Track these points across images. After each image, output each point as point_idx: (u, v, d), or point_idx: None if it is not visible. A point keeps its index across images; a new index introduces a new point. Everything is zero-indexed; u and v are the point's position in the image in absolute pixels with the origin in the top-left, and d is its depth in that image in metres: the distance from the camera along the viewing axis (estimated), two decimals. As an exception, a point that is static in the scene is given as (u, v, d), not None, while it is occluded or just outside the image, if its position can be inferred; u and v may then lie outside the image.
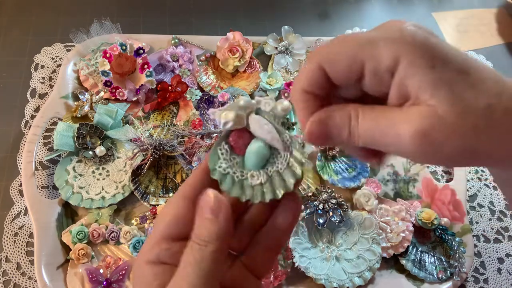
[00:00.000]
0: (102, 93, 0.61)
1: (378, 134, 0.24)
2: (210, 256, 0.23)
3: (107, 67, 0.60)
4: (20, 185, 0.56)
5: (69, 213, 0.54)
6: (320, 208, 0.55)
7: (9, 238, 0.53)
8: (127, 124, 0.60)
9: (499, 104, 0.22)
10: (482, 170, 0.67)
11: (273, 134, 0.26)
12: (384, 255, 0.55)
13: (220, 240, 0.24)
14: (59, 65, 0.66)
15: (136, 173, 0.56)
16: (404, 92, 0.23)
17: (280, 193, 0.26)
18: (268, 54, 0.69)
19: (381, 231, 0.56)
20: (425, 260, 0.56)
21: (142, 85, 0.62)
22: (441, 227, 0.57)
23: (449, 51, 0.23)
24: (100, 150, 0.56)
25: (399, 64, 0.22)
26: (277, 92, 0.64)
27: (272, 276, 0.52)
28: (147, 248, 0.25)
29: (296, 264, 0.52)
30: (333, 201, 0.55)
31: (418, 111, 0.22)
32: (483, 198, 0.64)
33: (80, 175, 0.56)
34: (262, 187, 0.26)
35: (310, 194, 0.56)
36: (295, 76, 0.26)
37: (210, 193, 0.24)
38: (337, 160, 0.62)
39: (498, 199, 0.65)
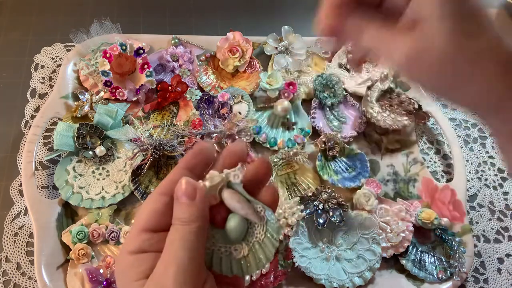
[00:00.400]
0: (102, 93, 0.61)
1: (383, 45, 0.27)
2: (194, 231, 0.25)
3: (107, 67, 0.60)
4: (20, 185, 0.56)
5: (69, 213, 0.54)
6: (320, 208, 0.55)
7: (9, 238, 0.53)
8: (127, 124, 0.60)
9: (500, 46, 0.25)
10: (482, 170, 0.67)
11: (246, 209, 0.27)
12: (384, 255, 0.55)
13: (200, 219, 0.25)
14: (59, 65, 0.66)
15: (136, 173, 0.56)
16: (417, 12, 0.26)
17: (263, 265, 0.27)
18: (268, 54, 0.69)
19: (381, 231, 0.56)
20: (425, 260, 0.56)
21: (142, 85, 0.62)
22: (441, 227, 0.57)
23: None
24: (100, 150, 0.56)
25: None
26: (277, 92, 0.64)
27: (272, 276, 0.52)
28: (128, 240, 0.26)
29: (296, 264, 0.52)
30: (333, 201, 0.55)
31: (416, 38, 0.25)
32: (483, 198, 0.64)
33: (80, 175, 0.56)
34: (246, 259, 0.27)
35: (310, 194, 0.56)
36: None
37: (183, 180, 0.26)
38: (337, 160, 0.62)
39: (498, 199, 0.65)
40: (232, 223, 0.27)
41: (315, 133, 0.64)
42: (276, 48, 0.69)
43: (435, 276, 0.55)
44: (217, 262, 0.27)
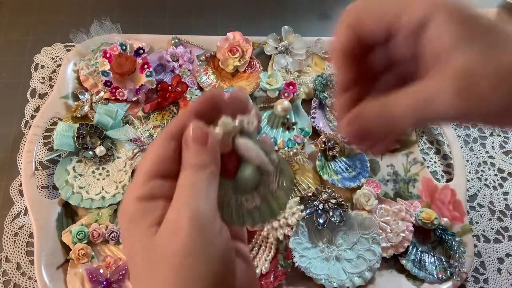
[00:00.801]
0: (102, 93, 0.61)
1: (419, 105, 0.23)
2: (205, 176, 0.23)
3: (107, 67, 0.60)
4: (20, 185, 0.56)
5: (69, 213, 0.54)
6: (320, 208, 0.55)
7: (9, 238, 0.53)
8: (127, 124, 0.60)
9: None
10: (482, 170, 0.67)
11: (261, 157, 0.26)
12: (384, 255, 0.55)
13: (212, 165, 0.24)
14: (59, 65, 0.66)
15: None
16: (436, 49, 0.23)
17: (278, 213, 0.26)
18: (268, 54, 0.69)
19: (381, 231, 0.56)
20: (425, 260, 0.56)
21: (142, 85, 0.62)
22: (441, 227, 0.57)
23: (474, 12, 0.23)
24: (100, 150, 0.56)
25: (433, 18, 0.23)
26: (277, 92, 0.64)
27: (272, 276, 0.52)
28: (136, 185, 0.24)
29: (296, 264, 0.52)
30: (333, 201, 0.55)
31: (454, 71, 0.22)
32: (483, 198, 0.64)
33: (80, 175, 0.56)
34: (259, 210, 0.26)
35: (310, 194, 0.56)
36: (331, 40, 0.27)
37: (193, 124, 0.24)
38: (337, 160, 0.62)
39: (498, 199, 0.65)
40: (246, 172, 0.26)
41: (315, 133, 0.64)
42: (276, 48, 0.69)
43: (435, 276, 0.55)
44: (227, 214, 0.26)
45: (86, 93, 0.61)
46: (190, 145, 0.24)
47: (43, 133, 0.58)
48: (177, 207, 0.23)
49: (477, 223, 0.62)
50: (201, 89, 0.65)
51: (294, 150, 0.59)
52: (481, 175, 0.66)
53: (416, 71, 0.25)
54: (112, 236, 0.53)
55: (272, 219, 0.25)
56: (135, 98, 0.62)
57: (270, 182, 0.26)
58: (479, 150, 0.69)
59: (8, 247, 0.53)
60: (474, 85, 0.22)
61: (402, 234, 0.55)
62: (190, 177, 0.23)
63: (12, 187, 0.56)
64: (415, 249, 0.56)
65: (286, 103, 0.62)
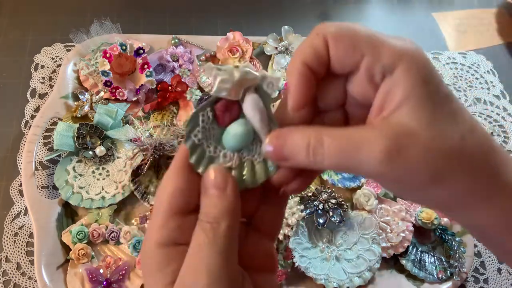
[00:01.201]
0: (102, 93, 0.61)
1: (345, 149, 0.22)
2: (224, 233, 0.22)
3: (107, 67, 0.60)
4: (20, 185, 0.56)
5: (69, 213, 0.54)
6: (320, 208, 0.55)
7: (9, 238, 0.53)
8: (127, 124, 0.60)
9: (472, 139, 0.22)
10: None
11: (263, 122, 0.24)
12: (384, 255, 0.55)
13: (231, 215, 0.22)
14: (59, 65, 0.66)
15: (136, 173, 0.56)
16: (389, 98, 0.22)
17: (247, 186, 0.24)
18: (268, 54, 0.69)
19: (381, 231, 0.56)
20: (425, 260, 0.56)
21: (142, 85, 0.62)
22: (441, 227, 0.57)
23: (440, 77, 0.23)
24: (100, 150, 0.56)
25: (396, 68, 0.22)
26: (277, 92, 0.64)
27: (272, 276, 0.52)
28: (155, 228, 0.23)
29: (296, 264, 0.52)
30: (333, 201, 0.55)
31: (392, 127, 0.21)
32: (483, 198, 0.64)
33: (80, 175, 0.56)
34: (229, 172, 0.24)
35: (310, 194, 0.56)
36: (296, 49, 0.25)
37: (212, 168, 0.23)
38: (337, 160, 0.62)
39: (498, 199, 0.65)
40: (239, 128, 0.24)
41: (315, 133, 0.64)
42: (276, 48, 0.69)
43: (435, 276, 0.55)
44: (198, 158, 0.24)
45: (86, 93, 0.61)
46: (208, 192, 0.23)
47: (43, 133, 0.58)
48: (193, 268, 0.21)
49: (477, 223, 0.62)
50: (201, 89, 0.65)
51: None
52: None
53: (363, 117, 0.25)
54: (112, 236, 0.53)
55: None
56: (135, 98, 0.62)
57: (256, 152, 0.25)
58: (479, 150, 0.68)
59: (8, 247, 0.52)
60: (405, 147, 0.21)
61: (402, 234, 0.55)
62: (207, 233, 0.22)
63: (12, 187, 0.56)
64: (415, 249, 0.56)
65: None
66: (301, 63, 0.24)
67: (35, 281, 0.50)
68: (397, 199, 0.59)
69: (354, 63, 0.23)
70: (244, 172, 0.25)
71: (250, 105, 0.24)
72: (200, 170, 0.24)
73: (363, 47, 0.23)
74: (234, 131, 0.24)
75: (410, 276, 0.55)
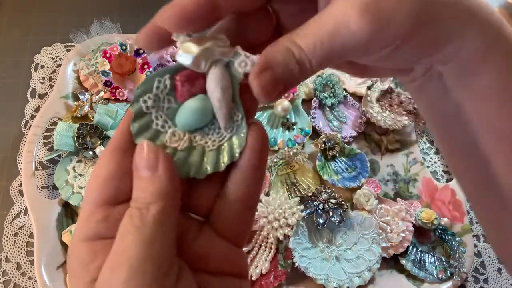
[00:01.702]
0: (102, 93, 0.61)
1: (325, 39, 0.20)
2: (153, 219, 0.18)
3: (107, 67, 0.60)
4: (20, 185, 0.56)
5: (69, 213, 0.54)
6: (320, 208, 0.55)
7: (9, 238, 0.53)
8: (127, 124, 0.60)
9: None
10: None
11: (223, 102, 0.21)
12: (384, 255, 0.55)
13: (164, 199, 0.19)
14: (59, 65, 0.66)
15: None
16: None
17: (187, 174, 0.21)
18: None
19: (381, 231, 0.56)
20: (425, 260, 0.56)
21: (142, 85, 0.62)
22: (441, 227, 0.57)
23: None
24: (100, 150, 0.56)
25: None
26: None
27: (272, 276, 0.52)
28: (81, 223, 0.20)
29: (296, 264, 0.52)
30: (333, 201, 0.55)
31: None
32: (483, 198, 0.64)
33: (80, 175, 0.56)
34: (174, 153, 0.21)
35: (310, 194, 0.56)
36: None
37: (143, 143, 0.20)
38: (337, 160, 0.62)
39: (498, 199, 0.65)
40: (194, 104, 0.21)
41: (315, 133, 0.64)
42: (276, 48, 0.69)
43: (435, 276, 0.55)
44: (141, 128, 0.21)
45: (86, 93, 0.61)
46: (139, 173, 0.19)
47: (43, 133, 0.58)
48: (112, 260, 0.18)
49: (477, 223, 0.62)
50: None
51: (294, 150, 0.59)
52: (481, 175, 0.66)
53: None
54: (112, 236, 0.53)
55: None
56: (135, 98, 0.62)
57: (210, 138, 0.22)
58: (479, 150, 0.68)
59: (8, 247, 0.53)
60: (379, 2, 0.19)
61: (402, 234, 0.55)
62: (135, 220, 0.19)
63: (12, 187, 0.56)
64: (415, 249, 0.56)
65: (286, 103, 0.62)
66: None
67: (35, 281, 0.50)
68: (397, 199, 0.59)
69: None
70: (190, 158, 0.21)
71: (213, 79, 0.20)
72: (137, 141, 0.20)
73: None
74: (187, 106, 0.21)
75: (410, 276, 0.55)
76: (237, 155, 0.21)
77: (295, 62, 0.20)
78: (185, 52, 0.20)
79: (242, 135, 0.21)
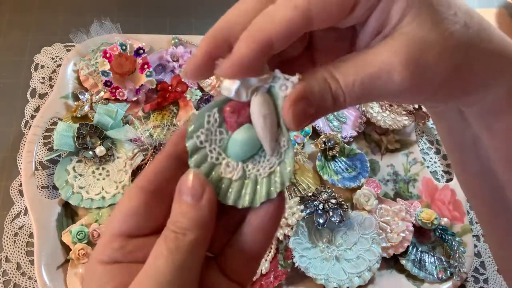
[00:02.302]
0: (102, 93, 0.61)
1: (366, 81, 0.21)
2: (188, 246, 0.19)
3: (107, 67, 0.60)
4: (20, 185, 0.56)
5: (69, 213, 0.54)
6: (320, 208, 0.55)
7: (9, 238, 0.53)
8: (127, 124, 0.60)
9: (472, 22, 0.22)
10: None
11: (266, 129, 0.21)
12: (384, 255, 0.55)
13: (201, 228, 0.20)
14: (59, 65, 0.66)
15: (136, 173, 0.56)
16: (385, 17, 0.21)
17: (241, 204, 0.22)
18: (268, 54, 0.69)
19: (381, 231, 0.56)
20: (425, 260, 0.56)
21: (142, 85, 0.62)
22: (441, 227, 0.57)
23: None
24: (100, 150, 0.56)
25: None
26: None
27: (272, 276, 0.52)
28: (99, 247, 0.21)
29: (296, 264, 0.52)
30: (333, 201, 0.55)
31: (401, 39, 0.21)
32: (483, 198, 0.64)
33: (80, 175, 0.56)
34: (229, 184, 0.22)
35: (310, 194, 0.56)
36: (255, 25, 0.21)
37: (191, 172, 0.21)
38: (337, 160, 0.62)
39: (498, 199, 0.65)
40: (240, 136, 0.22)
41: (315, 133, 0.64)
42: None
43: (435, 276, 0.55)
44: (199, 161, 0.22)
45: (86, 93, 0.61)
46: (182, 198, 0.20)
47: (43, 133, 0.58)
48: (142, 278, 0.19)
49: (477, 223, 0.62)
50: (201, 89, 0.65)
51: (294, 150, 0.59)
52: (481, 175, 0.66)
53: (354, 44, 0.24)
54: (112, 236, 0.52)
55: (231, 203, 0.22)
56: (135, 98, 0.62)
57: (261, 165, 0.22)
58: (479, 150, 0.68)
59: (8, 247, 0.52)
60: (423, 53, 0.20)
61: (402, 234, 0.55)
62: (168, 243, 0.19)
63: (12, 187, 0.56)
64: (415, 249, 0.56)
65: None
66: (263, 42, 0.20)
67: (35, 281, 0.50)
68: (397, 199, 0.59)
69: (350, 3, 0.21)
70: (244, 188, 0.22)
71: (255, 108, 0.21)
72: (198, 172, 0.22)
73: None
74: (236, 137, 0.22)
75: (410, 276, 0.55)
76: (290, 175, 0.22)
77: (330, 95, 0.21)
78: (227, 85, 0.21)
79: (291, 159, 0.22)
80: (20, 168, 0.57)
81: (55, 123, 0.59)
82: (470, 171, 0.28)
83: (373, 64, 0.21)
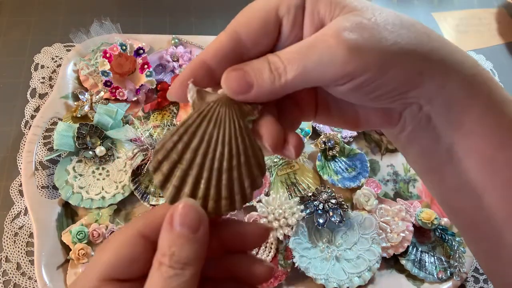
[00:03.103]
0: (102, 93, 0.61)
1: (306, 52, 0.22)
2: (189, 281, 0.19)
3: (107, 67, 0.60)
4: (20, 185, 0.56)
5: (69, 213, 0.54)
6: (320, 208, 0.55)
7: (9, 238, 0.53)
8: (127, 124, 0.60)
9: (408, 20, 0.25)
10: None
11: None
12: (384, 255, 0.55)
13: (199, 260, 0.19)
14: (59, 65, 0.66)
15: (136, 173, 0.56)
16: (318, 18, 0.24)
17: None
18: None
19: (381, 231, 0.56)
20: (425, 260, 0.56)
21: (142, 85, 0.62)
22: (441, 227, 0.57)
23: None
24: (100, 150, 0.56)
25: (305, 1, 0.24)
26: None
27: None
28: (79, 283, 0.20)
29: (296, 264, 0.52)
30: (333, 201, 0.55)
31: (336, 20, 0.22)
32: (483, 198, 0.64)
33: (80, 175, 0.56)
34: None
35: (310, 194, 0.56)
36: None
37: (184, 201, 0.20)
38: (337, 160, 0.62)
39: (498, 199, 0.64)
40: None
41: (315, 133, 0.64)
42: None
43: (435, 276, 0.55)
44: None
45: (86, 93, 0.61)
46: (176, 229, 0.19)
47: (43, 133, 0.58)
48: None
49: (477, 223, 0.62)
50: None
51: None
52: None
53: None
54: (112, 236, 0.52)
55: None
56: (135, 98, 0.62)
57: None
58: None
59: (8, 247, 0.52)
60: (354, 28, 0.22)
61: (402, 234, 0.55)
62: (171, 281, 0.18)
63: (12, 187, 0.56)
64: (415, 249, 0.56)
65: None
66: (200, 62, 0.24)
67: (35, 281, 0.50)
68: (397, 199, 0.59)
69: (274, 22, 0.24)
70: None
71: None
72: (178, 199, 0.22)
73: (273, 3, 0.24)
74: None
75: (410, 276, 0.55)
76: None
77: (268, 67, 0.22)
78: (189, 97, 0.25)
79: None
80: (20, 168, 0.57)
81: (55, 123, 0.59)
82: (450, 187, 0.28)
83: (309, 40, 0.22)
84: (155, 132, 0.60)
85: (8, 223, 0.54)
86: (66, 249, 0.52)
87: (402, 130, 0.28)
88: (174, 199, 0.21)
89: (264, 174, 0.23)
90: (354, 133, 0.64)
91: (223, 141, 0.22)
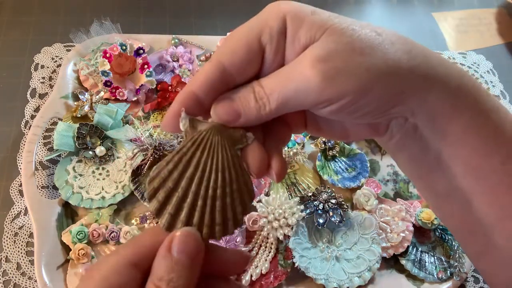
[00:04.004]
0: (102, 93, 0.61)
1: (284, 83, 0.24)
2: None
3: (107, 67, 0.60)
4: (20, 185, 0.56)
5: (69, 213, 0.54)
6: (320, 208, 0.55)
7: (9, 238, 0.53)
8: (127, 124, 0.60)
9: (384, 32, 0.25)
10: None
11: None
12: (384, 255, 0.55)
13: (193, 286, 0.21)
14: (59, 65, 0.66)
15: (136, 173, 0.56)
16: (299, 44, 0.24)
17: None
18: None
19: (381, 231, 0.56)
20: (425, 260, 0.56)
21: (142, 85, 0.62)
22: (441, 227, 0.57)
23: (313, 10, 0.25)
24: (100, 150, 0.56)
25: (286, 21, 0.24)
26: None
27: (272, 276, 0.52)
28: None
29: (296, 264, 0.52)
30: (333, 201, 0.55)
31: (312, 48, 0.24)
32: (483, 198, 0.64)
33: (80, 175, 0.56)
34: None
35: (310, 194, 0.56)
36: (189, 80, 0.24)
37: (188, 231, 0.21)
38: (337, 160, 0.62)
39: (498, 199, 0.64)
40: None
41: (315, 133, 0.64)
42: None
43: (435, 276, 0.55)
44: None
45: (86, 93, 0.61)
46: (175, 256, 0.20)
47: (43, 133, 0.58)
48: None
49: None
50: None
51: (294, 150, 0.59)
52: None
53: None
54: (112, 236, 0.53)
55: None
56: (135, 98, 0.62)
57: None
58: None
59: (8, 247, 0.52)
60: (328, 55, 0.23)
61: (402, 234, 0.55)
62: None
63: (12, 187, 0.56)
64: (415, 249, 0.56)
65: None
66: (189, 93, 0.25)
67: (35, 281, 0.50)
68: (397, 199, 0.59)
69: (257, 51, 0.25)
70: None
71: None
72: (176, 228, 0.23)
73: (255, 33, 0.26)
74: None
75: (410, 276, 0.55)
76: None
77: (253, 96, 0.24)
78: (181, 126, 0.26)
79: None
80: (20, 168, 0.57)
81: (55, 123, 0.59)
82: (440, 192, 0.28)
83: (287, 69, 0.24)
84: (155, 132, 0.60)
85: (8, 223, 0.54)
86: (66, 249, 0.52)
87: (391, 139, 0.29)
88: (170, 227, 0.23)
89: (253, 200, 0.25)
90: (354, 133, 0.64)
91: (217, 169, 0.24)
